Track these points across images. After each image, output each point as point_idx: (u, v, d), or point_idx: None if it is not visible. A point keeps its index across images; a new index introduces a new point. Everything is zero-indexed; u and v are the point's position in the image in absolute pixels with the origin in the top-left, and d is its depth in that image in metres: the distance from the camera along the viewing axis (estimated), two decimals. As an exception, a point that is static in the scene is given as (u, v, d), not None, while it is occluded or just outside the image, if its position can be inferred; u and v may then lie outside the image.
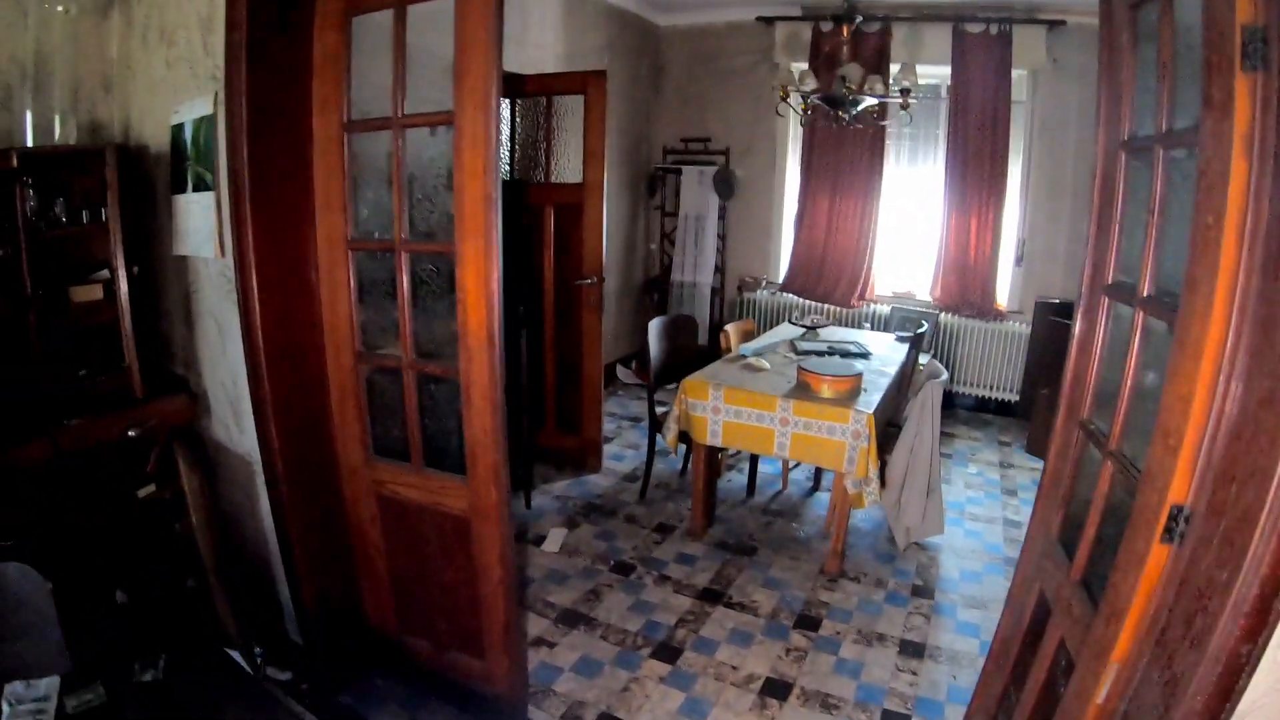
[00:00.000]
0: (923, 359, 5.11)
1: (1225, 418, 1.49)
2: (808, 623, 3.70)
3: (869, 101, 4.86)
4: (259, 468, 3.01)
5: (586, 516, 4.70)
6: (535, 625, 3.59)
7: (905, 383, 4.80)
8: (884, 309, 7.41)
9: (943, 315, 7.15)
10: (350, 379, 2.91)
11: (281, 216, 2.76)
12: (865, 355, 4.93)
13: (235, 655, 3.03)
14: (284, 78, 2.67)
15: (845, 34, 4.96)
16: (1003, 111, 6.74)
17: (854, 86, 4.68)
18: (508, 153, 5.21)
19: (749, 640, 3.55)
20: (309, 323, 2.88)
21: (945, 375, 4.26)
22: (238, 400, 3.03)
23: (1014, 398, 7.20)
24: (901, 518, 4.22)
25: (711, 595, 3.90)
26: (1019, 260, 7.13)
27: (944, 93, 7.05)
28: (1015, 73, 6.68)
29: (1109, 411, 2.14)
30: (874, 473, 3.84)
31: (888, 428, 4.41)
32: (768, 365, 4.54)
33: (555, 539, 4.32)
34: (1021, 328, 7.02)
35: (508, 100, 5.15)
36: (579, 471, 5.35)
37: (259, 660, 3.12)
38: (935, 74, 6.98)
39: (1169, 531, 1.60)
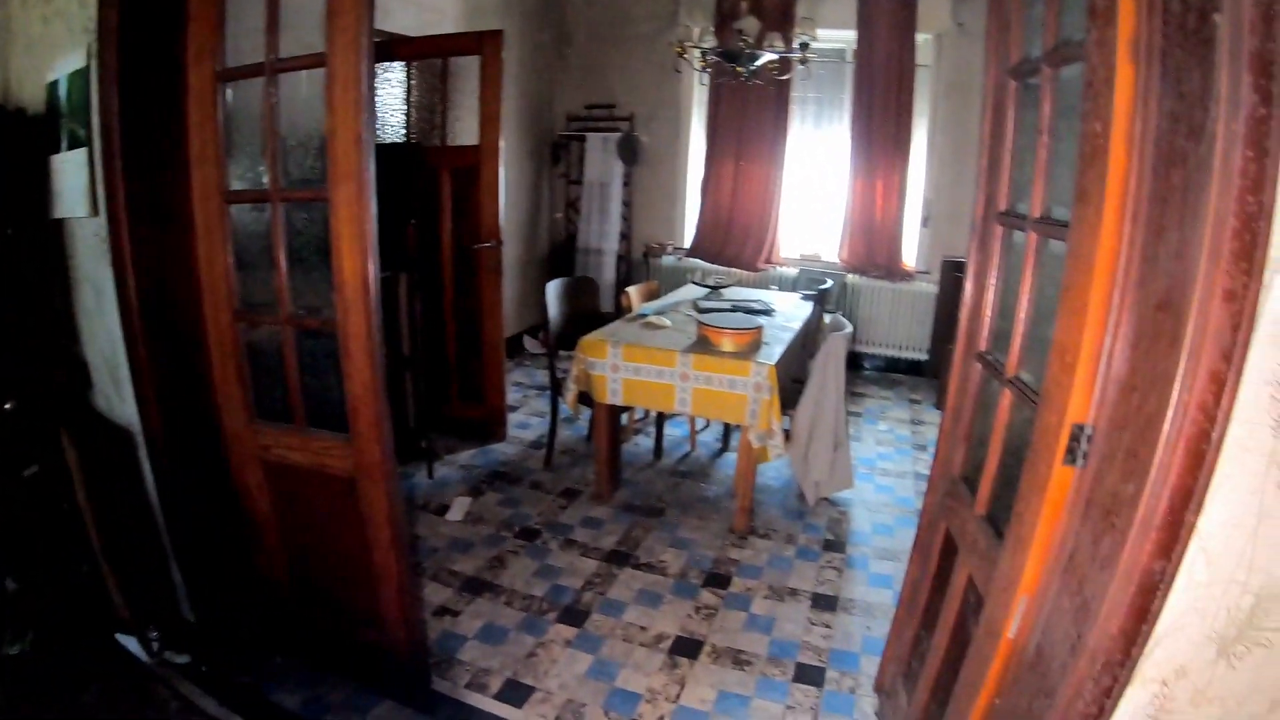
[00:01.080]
0: (827, 317, 5.11)
1: (1122, 327, 1.46)
2: (717, 581, 3.65)
3: (767, 57, 4.79)
4: (141, 438, 2.83)
5: (491, 485, 4.57)
6: (439, 594, 3.47)
7: (810, 339, 4.79)
8: (791, 271, 7.43)
9: (850, 276, 7.20)
10: (229, 339, 2.74)
11: (156, 171, 2.59)
12: (769, 312, 4.91)
13: (130, 640, 2.87)
14: (158, 26, 2.51)
15: (743, -14, 4.89)
16: (908, 75, 6.78)
17: (750, 40, 4.62)
18: (403, 115, 5.04)
19: (657, 600, 3.48)
20: (187, 282, 2.71)
21: (849, 328, 4.24)
22: (117, 368, 2.83)
23: (923, 357, 7.30)
24: (809, 473, 4.20)
25: (618, 557, 3.82)
26: (925, 221, 7.21)
27: (849, 56, 7.06)
28: (920, 36, 6.73)
29: (1007, 343, 2.12)
30: (777, 426, 3.80)
31: (793, 384, 4.40)
32: (669, 323, 4.47)
33: (459, 508, 4.20)
34: (929, 287, 7.11)
35: (403, 63, 4.98)
36: (484, 441, 5.21)
37: (155, 644, 2.95)
38: (841, 38, 6.99)
39: (1071, 452, 1.57)
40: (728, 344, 3.96)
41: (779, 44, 4.83)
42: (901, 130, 6.88)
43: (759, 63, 4.79)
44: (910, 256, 7.29)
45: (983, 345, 2.20)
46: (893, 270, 7.15)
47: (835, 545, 4.04)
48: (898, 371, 7.43)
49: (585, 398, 4.26)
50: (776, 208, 7.38)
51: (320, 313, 2.59)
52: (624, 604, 3.45)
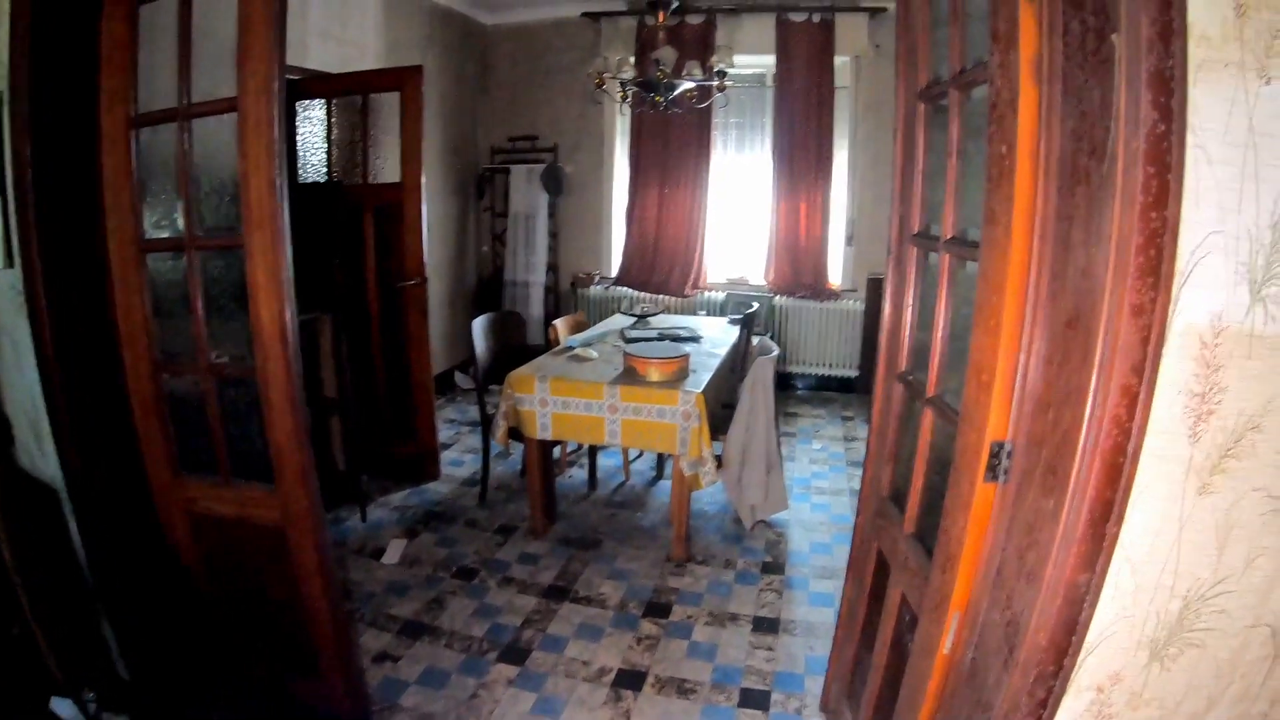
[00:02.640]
0: (755, 340, 5.13)
1: (1035, 344, 1.48)
2: (657, 610, 3.62)
3: (684, 86, 4.82)
4: (64, 495, 2.72)
5: (426, 525, 4.48)
6: (378, 640, 3.37)
7: (738, 363, 4.81)
8: (718, 296, 7.47)
9: (777, 298, 7.26)
10: (150, 390, 2.65)
11: (72, 220, 2.53)
12: (696, 339, 4.90)
13: (65, 704, 2.73)
14: (71, 71, 2.45)
15: (661, 19, 4.91)
16: (827, 97, 6.90)
17: (667, 70, 4.64)
18: (324, 154, 4.95)
19: (598, 634, 3.43)
20: (107, 333, 2.63)
21: (776, 351, 4.26)
22: (38, 423, 2.72)
23: (854, 374, 7.39)
24: (744, 497, 4.21)
25: (557, 592, 3.76)
26: (849, 240, 7.32)
27: (769, 81, 7.16)
28: (838, 59, 6.87)
29: (923, 360, 2.14)
30: (708, 453, 3.81)
31: (723, 409, 4.40)
32: (595, 355, 4.44)
33: (394, 550, 4.10)
34: (856, 305, 7.21)
35: (323, 100, 4.89)
36: (418, 481, 5.11)
37: (91, 706, 2.80)
38: (760, 63, 7.11)
39: (992, 469, 1.58)
40: (654, 374, 3.96)
41: (697, 72, 4.86)
42: (823, 151, 6.99)
43: (676, 92, 4.82)
44: (836, 275, 7.38)
45: (903, 366, 2.22)
46: (819, 290, 7.23)
47: (774, 567, 4.04)
48: (829, 390, 7.50)
49: (516, 433, 4.21)
50: (702, 233, 7.42)
51: (242, 361, 2.53)
52: (565, 639, 3.39)
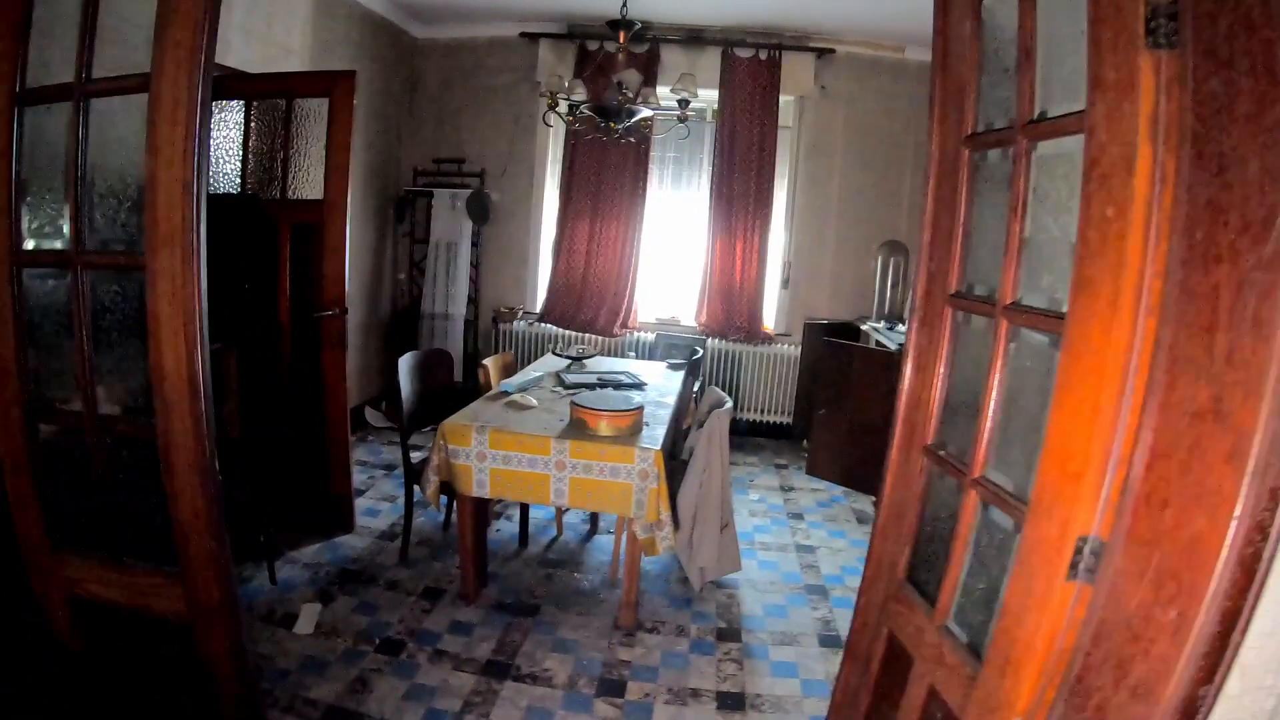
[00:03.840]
0: (702, 389, 5.01)
1: (1142, 435, 1.36)
2: (611, 688, 3.40)
3: (645, 112, 4.69)
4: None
5: (342, 586, 4.15)
6: None
7: (684, 414, 4.66)
8: (648, 337, 7.35)
9: (709, 341, 7.17)
10: (19, 442, 2.25)
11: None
12: (639, 386, 4.74)
13: None
14: None
15: (622, 39, 4.78)
16: (770, 136, 6.93)
17: (631, 94, 4.50)
18: (239, 163, 4.62)
19: (550, 718, 3.21)
20: None
21: (728, 404, 4.12)
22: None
23: (787, 419, 7.36)
24: (695, 558, 4.04)
25: (497, 668, 3.50)
26: (785, 283, 7.32)
27: (709, 116, 7.12)
28: (783, 98, 6.90)
29: (957, 433, 2.02)
30: (666, 516, 3.61)
31: (669, 462, 4.25)
32: (535, 402, 4.21)
33: (308, 618, 3.77)
34: (791, 349, 7.20)
35: (241, 102, 4.57)
36: (330, 533, 4.77)
37: None
38: (703, 97, 7.00)
39: (1074, 567, 1.46)
40: (605, 427, 3.74)
41: (654, 100, 4.74)
42: (762, 191, 6.98)
43: (637, 118, 4.67)
44: (770, 319, 7.36)
45: (929, 438, 2.09)
46: (753, 333, 7.18)
47: (729, 634, 3.87)
48: (761, 435, 7.43)
49: (446, 486, 3.94)
50: (633, 270, 7.30)
51: (141, 414, 2.14)
52: (512, 726, 3.15)
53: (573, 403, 3.92)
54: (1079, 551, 1.45)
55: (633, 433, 3.79)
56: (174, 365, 1.94)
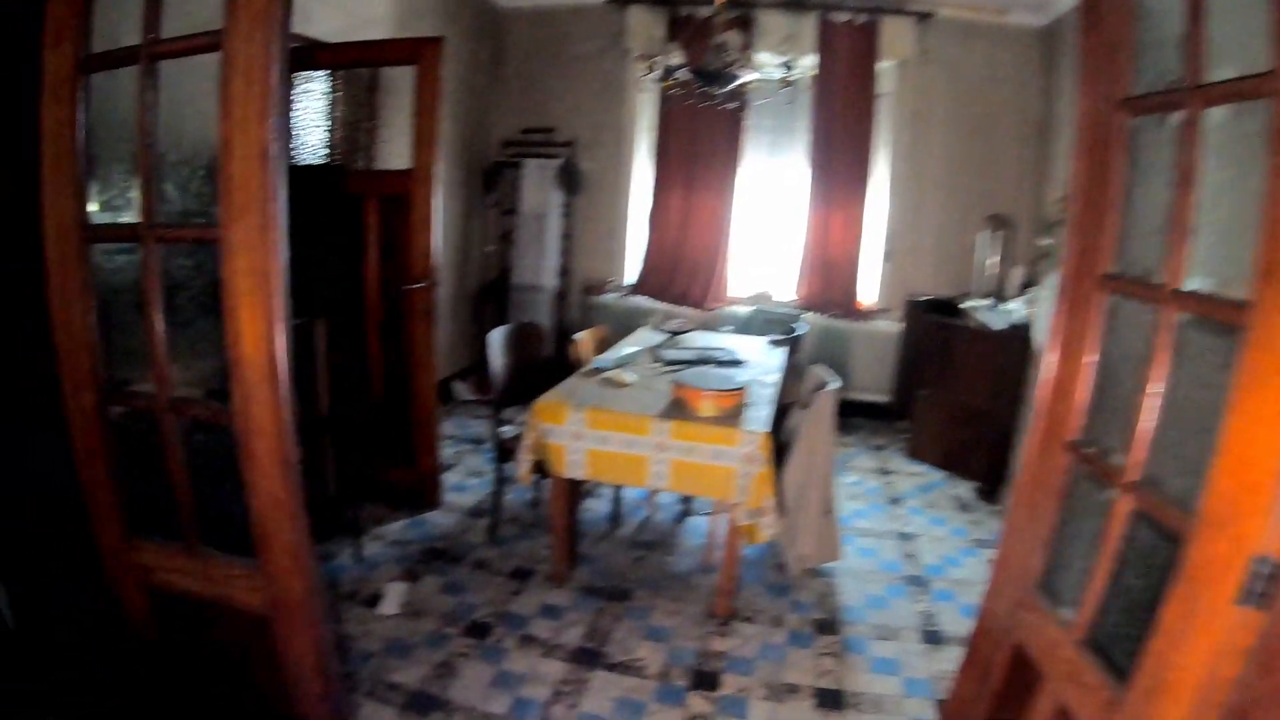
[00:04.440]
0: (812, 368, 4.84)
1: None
2: (705, 680, 3.30)
3: (749, 76, 4.50)
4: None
5: (429, 565, 4.13)
6: (378, 718, 2.99)
7: (785, 392, 4.51)
8: (743, 310, 7.20)
9: (805, 315, 6.99)
10: (94, 427, 2.19)
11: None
12: (739, 363, 4.61)
13: None
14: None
15: (718, 2, 4.60)
16: (868, 104, 6.69)
17: (736, 57, 4.33)
18: (325, 133, 4.60)
19: (639, 712, 3.09)
20: (40, 348, 2.19)
21: (837, 383, 3.95)
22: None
23: (884, 399, 7.13)
24: (794, 545, 3.91)
25: (587, 656, 3.43)
26: (886, 256, 7.09)
27: (807, 83, 6.88)
28: (882, 64, 6.65)
29: (1104, 429, 1.86)
30: (770, 502, 3.47)
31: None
32: (632, 379, 4.10)
33: (394, 597, 3.75)
34: (890, 326, 6.98)
35: (325, 73, 4.54)
36: (417, 509, 4.77)
37: None
38: (798, 64, 6.81)
39: (1248, 590, 1.30)
40: (708, 407, 3.61)
41: (756, 64, 4.56)
42: (861, 161, 6.76)
43: (738, 82, 4.50)
44: (870, 293, 7.14)
45: (1073, 433, 1.92)
46: (850, 308, 6.98)
47: (828, 626, 3.74)
48: (857, 415, 7.20)
49: (539, 466, 3.86)
50: (728, 242, 7.16)
51: (217, 391, 2.04)
52: (602, 719, 3.07)
53: (674, 381, 3.81)
54: (1252, 573, 1.30)
55: (737, 414, 3.65)
56: (252, 345, 1.85)
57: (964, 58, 6.64)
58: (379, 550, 4.27)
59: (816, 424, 3.78)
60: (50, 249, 2.10)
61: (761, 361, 4.77)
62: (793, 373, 4.64)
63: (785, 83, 4.57)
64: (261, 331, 1.82)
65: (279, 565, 1.98)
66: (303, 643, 2.05)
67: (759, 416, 3.63)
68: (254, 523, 1.97)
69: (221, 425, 1.94)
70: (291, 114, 4.53)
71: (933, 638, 3.67)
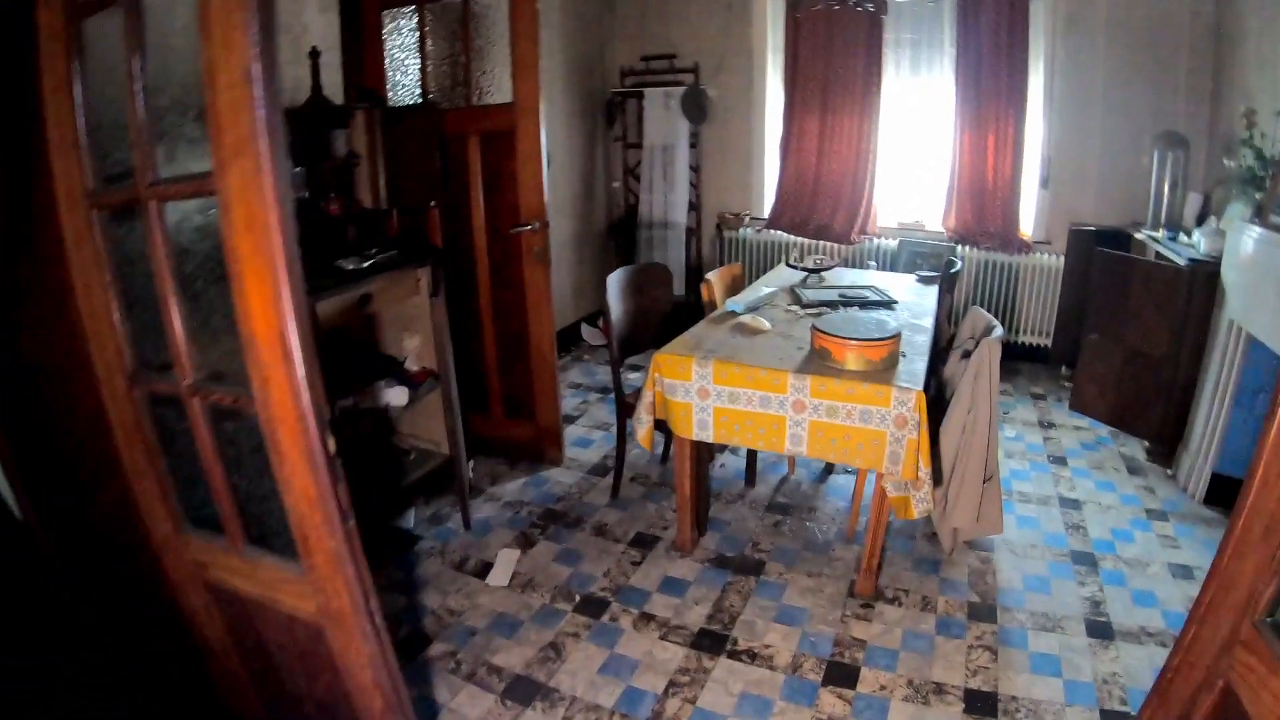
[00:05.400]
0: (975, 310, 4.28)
1: None
2: (841, 675, 2.91)
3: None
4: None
5: (544, 530, 3.87)
6: (476, 705, 2.75)
7: (940, 338, 3.99)
8: (890, 243, 6.66)
9: (958, 248, 6.39)
10: (130, 412, 1.94)
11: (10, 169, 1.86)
12: (889, 304, 4.10)
13: None
14: None
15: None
16: (1019, 10, 5.93)
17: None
18: (417, 72, 4.29)
19: (765, 710, 2.74)
20: (67, 331, 1.95)
21: (1000, 330, 3.39)
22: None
23: (1045, 342, 6.48)
24: (949, 516, 3.43)
25: (710, 640, 3.10)
26: (1044, 182, 6.34)
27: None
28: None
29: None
30: (925, 473, 3.00)
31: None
32: (767, 325, 3.65)
33: (504, 567, 3.50)
34: (1052, 260, 6.28)
35: (412, 7, 4.20)
36: (535, 466, 4.52)
37: None
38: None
39: None
40: (854, 360, 3.11)
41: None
42: (1014, 76, 6.04)
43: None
44: (1028, 223, 6.45)
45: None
46: (1008, 240, 6.33)
47: (982, 612, 3.29)
48: (1016, 359, 6.56)
49: (661, 425, 3.52)
50: (871, 169, 6.59)
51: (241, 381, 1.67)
52: (723, 718, 2.72)
53: (814, 327, 3.30)
54: None
55: (887, 366, 3.14)
56: (261, 320, 1.49)
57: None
58: (491, 512, 4.06)
59: (979, 376, 3.26)
60: (66, 222, 1.83)
61: (913, 302, 4.24)
62: (947, 316, 4.10)
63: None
64: (269, 301, 1.46)
65: (321, 572, 1.69)
66: (357, 656, 1.77)
67: (913, 371, 3.14)
68: (291, 524, 1.67)
69: (249, 413, 1.62)
70: (383, 56, 4.25)
71: (1100, 631, 3.19)
